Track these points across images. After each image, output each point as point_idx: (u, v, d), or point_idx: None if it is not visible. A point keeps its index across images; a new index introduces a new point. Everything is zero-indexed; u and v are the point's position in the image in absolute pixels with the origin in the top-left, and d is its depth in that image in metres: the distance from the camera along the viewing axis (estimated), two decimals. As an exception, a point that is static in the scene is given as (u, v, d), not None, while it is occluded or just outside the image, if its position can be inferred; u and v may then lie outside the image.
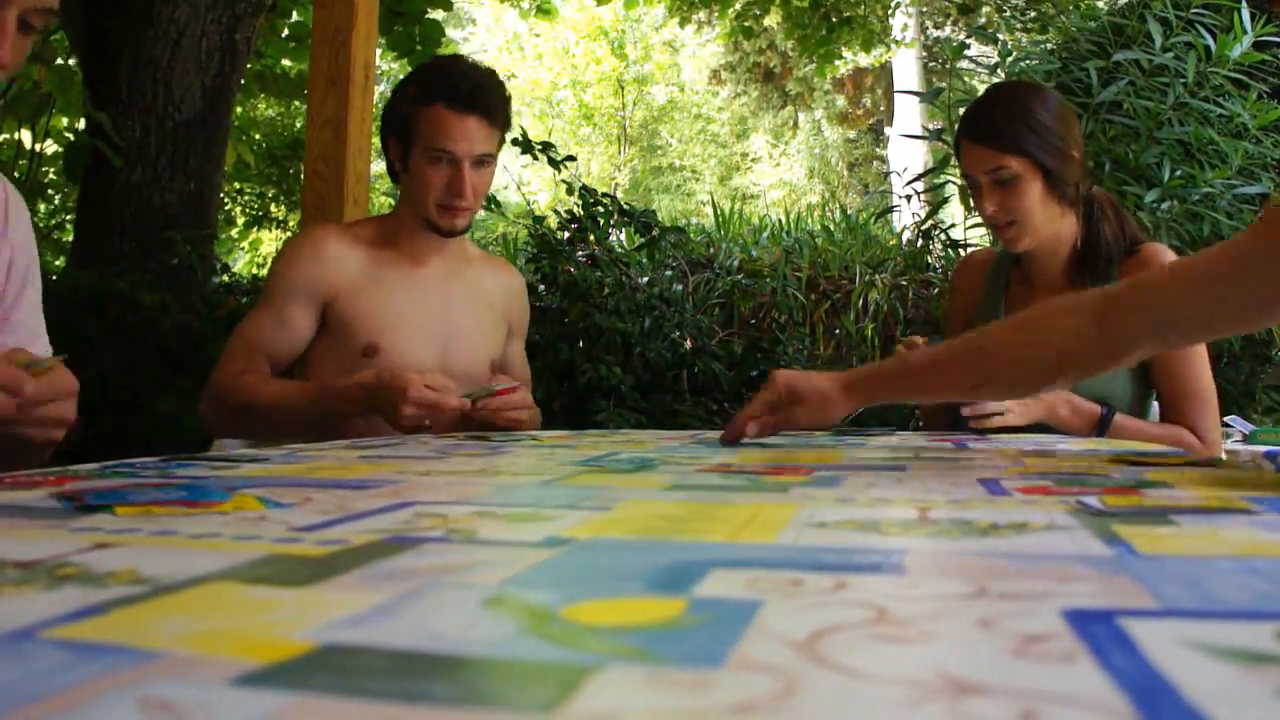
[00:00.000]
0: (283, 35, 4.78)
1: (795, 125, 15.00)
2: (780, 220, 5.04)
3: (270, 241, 7.23)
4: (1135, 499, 0.62)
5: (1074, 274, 1.58)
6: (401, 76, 1.72)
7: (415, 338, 1.57)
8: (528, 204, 4.45)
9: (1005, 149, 1.48)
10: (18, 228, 1.16)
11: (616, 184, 12.65)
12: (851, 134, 14.79)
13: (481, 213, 5.54)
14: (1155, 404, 1.60)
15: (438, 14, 4.30)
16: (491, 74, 1.59)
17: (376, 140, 1.76)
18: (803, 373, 1.19)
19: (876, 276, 3.73)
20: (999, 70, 3.23)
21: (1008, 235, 1.54)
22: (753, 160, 15.05)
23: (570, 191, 3.08)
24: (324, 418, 1.46)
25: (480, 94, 1.52)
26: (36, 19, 0.95)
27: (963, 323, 1.76)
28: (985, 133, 1.50)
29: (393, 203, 1.77)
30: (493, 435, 1.38)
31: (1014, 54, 3.28)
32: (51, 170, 4.89)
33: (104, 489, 0.64)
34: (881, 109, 14.52)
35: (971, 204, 3.01)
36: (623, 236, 3.68)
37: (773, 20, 7.21)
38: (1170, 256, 1.54)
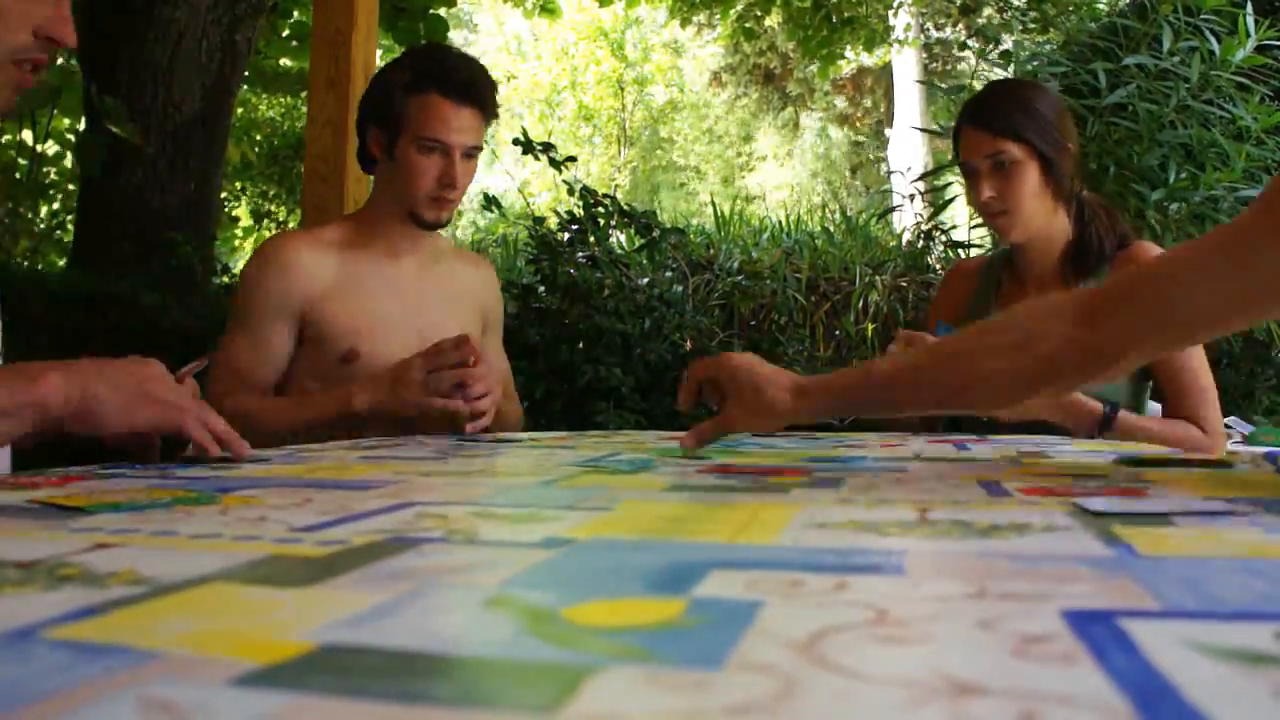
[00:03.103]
0: (283, 35, 4.78)
1: (796, 126, 15.00)
2: (780, 221, 5.04)
3: (272, 241, 7.22)
4: (1135, 500, 0.62)
5: (1066, 273, 1.59)
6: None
7: (394, 339, 1.52)
8: (528, 205, 4.45)
9: (1005, 134, 1.51)
10: None
11: (616, 185, 12.65)
12: (858, 138, 14.80)
13: (480, 217, 5.54)
14: (1151, 401, 1.60)
15: (440, 10, 4.31)
16: (482, 65, 1.58)
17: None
18: (757, 361, 1.03)
19: (877, 278, 3.72)
20: (1010, 68, 3.23)
21: (1000, 223, 1.55)
22: (759, 159, 15.06)
23: (570, 192, 3.08)
24: (328, 433, 1.41)
25: (476, 85, 1.50)
26: None
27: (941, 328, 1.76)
28: (986, 118, 1.54)
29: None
30: (482, 437, 1.37)
31: (1021, 55, 3.29)
32: (53, 171, 4.89)
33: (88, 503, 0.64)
34: (881, 110, 14.52)
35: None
36: (623, 238, 3.68)
37: (774, 20, 7.20)
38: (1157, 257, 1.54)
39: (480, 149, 1.56)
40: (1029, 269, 1.63)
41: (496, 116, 1.59)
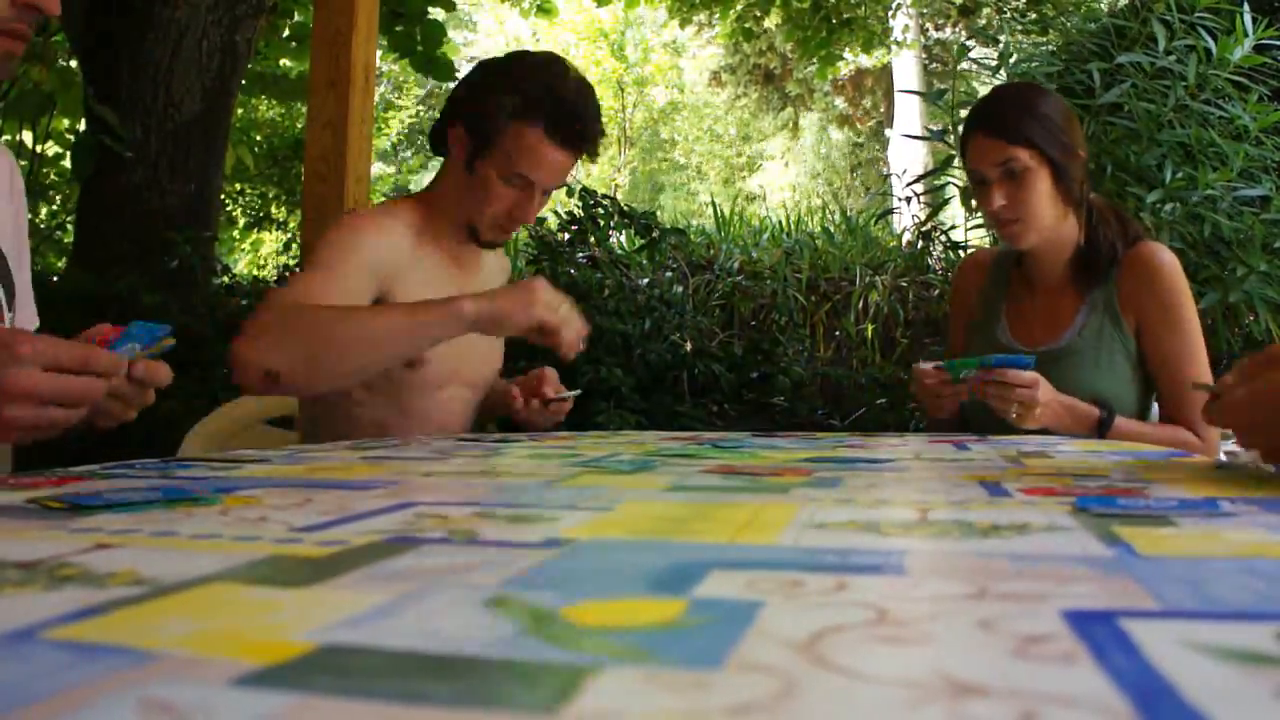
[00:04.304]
0: (283, 36, 4.79)
1: (795, 127, 15.01)
2: (781, 222, 5.04)
3: (271, 242, 7.22)
4: (1135, 499, 0.62)
5: (1074, 277, 1.58)
6: (470, 68, 1.51)
7: (444, 346, 1.50)
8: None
9: (1015, 140, 1.49)
10: (18, 190, 1.20)
11: (616, 185, 12.66)
12: (858, 139, 14.81)
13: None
14: (1156, 404, 1.60)
15: (439, 14, 4.30)
16: (596, 101, 1.45)
17: (377, 141, 1.74)
18: None
19: (877, 278, 3.73)
20: (1001, 71, 3.23)
21: (1012, 231, 1.53)
22: (759, 160, 15.07)
23: (570, 193, 3.08)
24: (423, 344, 1.29)
25: (587, 131, 1.40)
26: None
27: (964, 324, 1.76)
28: (995, 125, 1.51)
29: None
30: (484, 437, 1.38)
31: (1015, 55, 3.28)
32: (52, 172, 4.89)
33: (84, 492, 0.64)
34: (881, 110, 14.53)
35: (974, 204, 3.01)
36: (623, 238, 3.68)
37: (773, 21, 7.22)
38: (1168, 256, 1.54)
39: (562, 186, 1.48)
40: (1038, 273, 1.62)
41: (595, 156, 1.47)
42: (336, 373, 1.23)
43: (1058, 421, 1.42)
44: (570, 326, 1.25)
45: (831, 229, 4.68)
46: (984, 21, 6.87)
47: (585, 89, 1.42)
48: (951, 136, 3.04)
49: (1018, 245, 1.56)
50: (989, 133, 1.52)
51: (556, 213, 3.32)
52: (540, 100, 1.36)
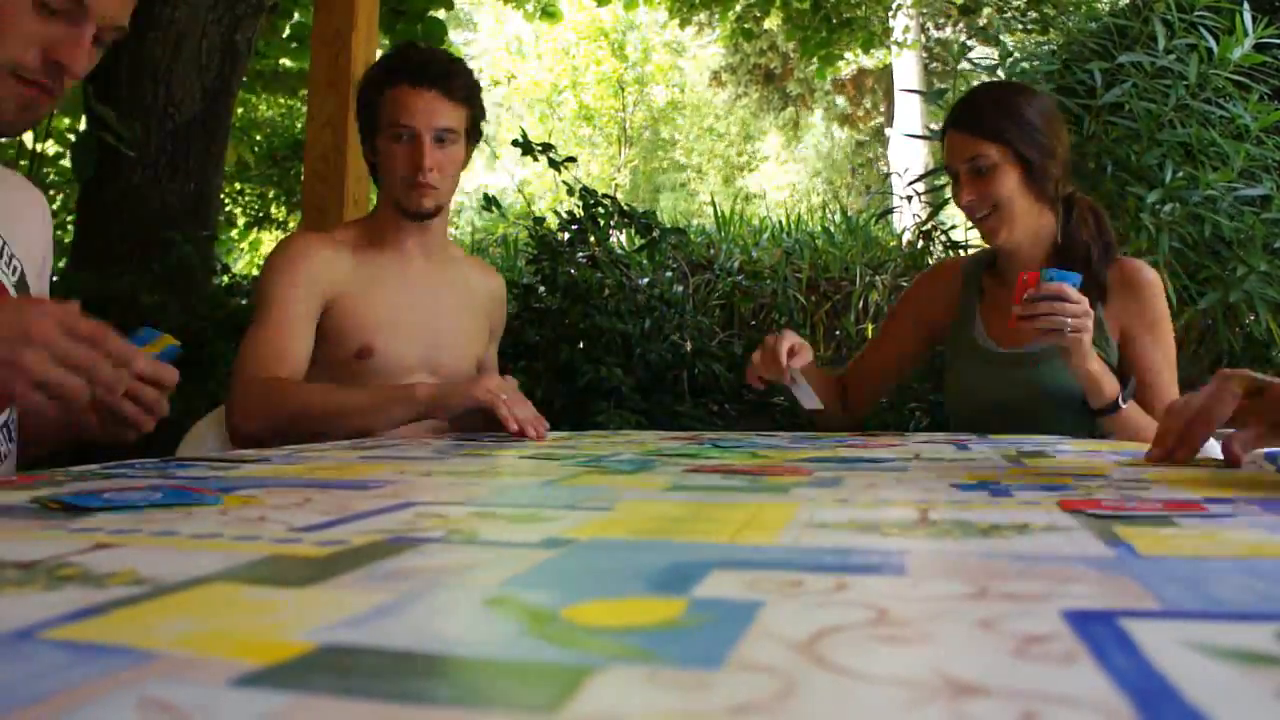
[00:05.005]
0: (283, 35, 4.78)
1: (796, 126, 15.00)
2: (781, 221, 5.04)
3: (271, 242, 7.22)
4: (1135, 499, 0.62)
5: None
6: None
7: (406, 337, 1.55)
8: (528, 205, 4.45)
9: (985, 137, 1.50)
10: (47, 230, 1.21)
11: (617, 185, 12.65)
12: (860, 138, 14.79)
13: (480, 217, 5.53)
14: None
15: (440, 13, 4.30)
16: (449, 54, 1.62)
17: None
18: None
19: (877, 278, 3.72)
20: (999, 71, 3.23)
21: (986, 226, 1.55)
22: (761, 160, 15.07)
23: (570, 193, 3.08)
24: (381, 423, 1.41)
25: (432, 67, 1.52)
26: (107, 34, 0.99)
27: (909, 325, 1.74)
28: (966, 122, 1.53)
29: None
30: (483, 437, 1.38)
31: (1014, 55, 3.28)
32: (53, 171, 4.89)
33: (84, 491, 0.64)
34: (882, 110, 14.52)
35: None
36: (623, 238, 3.68)
37: (773, 22, 7.22)
38: (1154, 274, 1.55)
39: (455, 133, 1.54)
40: (1013, 273, 1.59)
41: (470, 101, 1.57)
42: (304, 439, 1.37)
43: (1087, 360, 1.40)
44: (520, 406, 1.37)
45: (832, 229, 4.67)
46: (984, 21, 6.87)
47: (436, 49, 1.61)
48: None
49: (991, 241, 1.57)
50: (960, 129, 1.54)
51: (556, 212, 3.31)
52: (392, 64, 1.56)
